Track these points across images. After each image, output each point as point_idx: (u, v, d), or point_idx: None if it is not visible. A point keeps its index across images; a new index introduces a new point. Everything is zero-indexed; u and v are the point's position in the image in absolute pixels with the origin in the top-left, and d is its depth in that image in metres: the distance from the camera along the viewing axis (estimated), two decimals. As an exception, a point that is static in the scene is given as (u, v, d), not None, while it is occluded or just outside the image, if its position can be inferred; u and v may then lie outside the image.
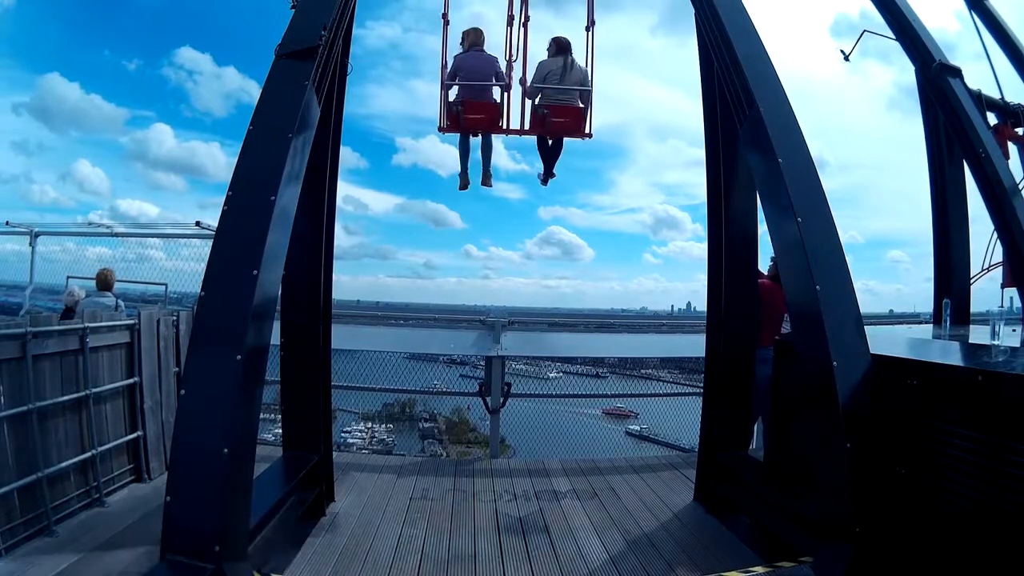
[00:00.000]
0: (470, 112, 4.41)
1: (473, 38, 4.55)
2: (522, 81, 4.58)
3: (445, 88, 4.49)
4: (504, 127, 4.57)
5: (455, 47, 4.62)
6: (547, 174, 5.07)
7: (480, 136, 4.76)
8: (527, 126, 4.62)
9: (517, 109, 4.63)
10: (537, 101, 4.52)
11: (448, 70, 4.51)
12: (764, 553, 3.28)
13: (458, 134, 4.74)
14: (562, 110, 4.52)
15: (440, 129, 4.59)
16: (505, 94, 4.50)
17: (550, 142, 4.90)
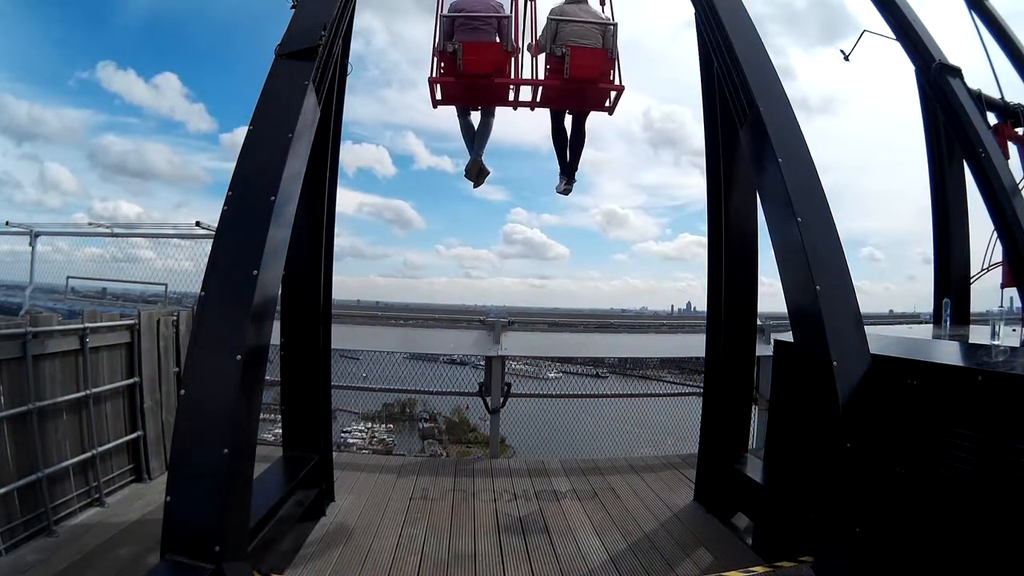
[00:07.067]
0: (469, 54, 3.67)
1: None
2: (531, 47, 4.00)
3: (440, 35, 3.78)
4: (511, 76, 3.85)
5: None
6: (569, 177, 4.34)
7: (480, 112, 4.15)
8: (540, 75, 3.89)
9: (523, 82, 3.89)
10: (550, 47, 3.84)
11: (443, 19, 3.83)
12: (764, 553, 3.29)
13: (457, 113, 4.11)
14: (583, 52, 3.76)
15: (433, 103, 3.91)
16: (510, 37, 3.81)
17: (568, 125, 4.21)
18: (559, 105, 4.21)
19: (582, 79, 3.83)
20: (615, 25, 3.89)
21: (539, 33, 4.01)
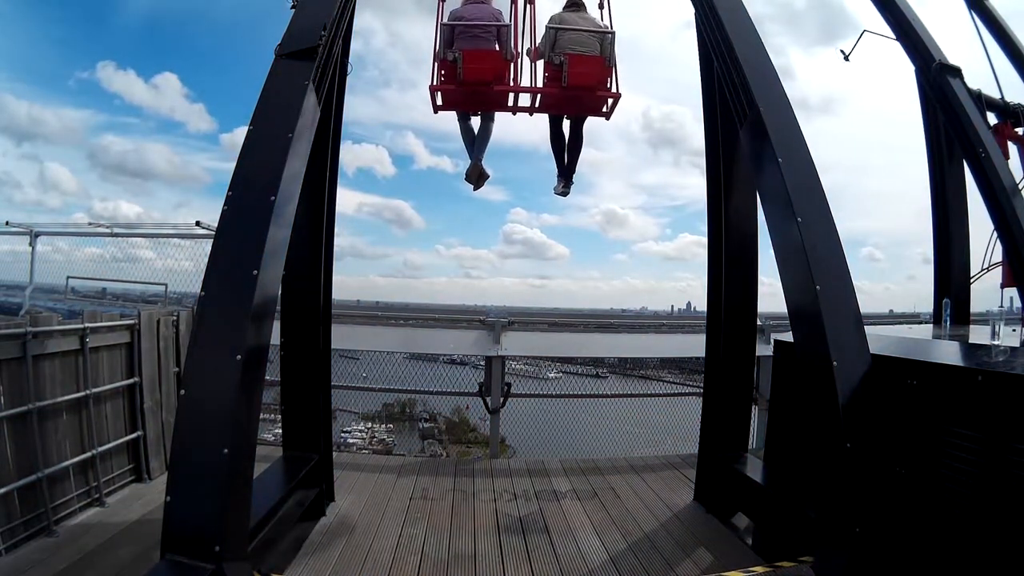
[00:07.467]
0: (469, 62, 3.74)
1: None
2: (530, 52, 4.04)
3: (440, 43, 3.83)
4: (511, 83, 3.91)
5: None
6: (567, 179, 4.43)
7: (480, 116, 4.24)
8: (538, 83, 3.93)
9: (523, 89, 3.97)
10: (549, 55, 3.90)
11: (443, 27, 3.88)
12: (764, 553, 3.29)
13: (457, 117, 4.20)
14: (581, 60, 3.82)
15: (434, 109, 3.96)
16: (509, 45, 3.87)
17: (566, 128, 4.30)
18: (557, 111, 4.30)
19: (580, 86, 3.88)
20: (613, 33, 3.96)
21: (538, 40, 4.07)
